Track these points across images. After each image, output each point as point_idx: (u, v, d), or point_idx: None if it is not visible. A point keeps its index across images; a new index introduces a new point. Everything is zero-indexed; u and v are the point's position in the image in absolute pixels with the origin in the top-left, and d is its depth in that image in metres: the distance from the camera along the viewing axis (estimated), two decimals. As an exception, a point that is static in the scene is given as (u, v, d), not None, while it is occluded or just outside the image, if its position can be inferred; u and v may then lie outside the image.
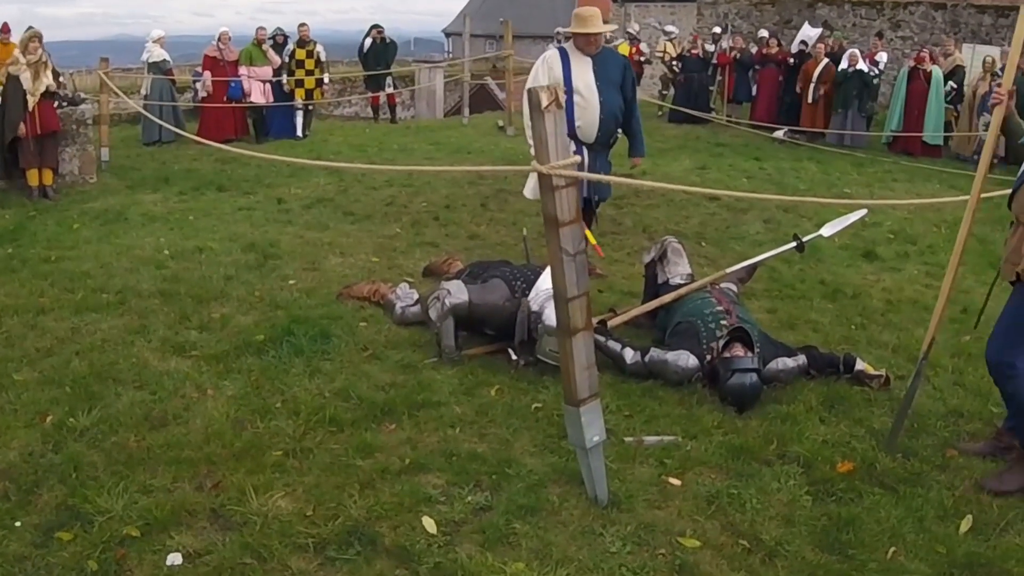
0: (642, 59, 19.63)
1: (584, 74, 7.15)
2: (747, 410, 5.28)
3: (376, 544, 3.89)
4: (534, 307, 5.76)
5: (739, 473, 4.60)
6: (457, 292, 5.97)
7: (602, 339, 5.70)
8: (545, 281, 5.72)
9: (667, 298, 6.29)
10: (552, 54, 7.28)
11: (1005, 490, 4.49)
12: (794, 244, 7.00)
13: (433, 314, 5.92)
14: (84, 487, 4.22)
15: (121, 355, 5.82)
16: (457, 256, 7.76)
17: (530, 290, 5.96)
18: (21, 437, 4.72)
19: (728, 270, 6.83)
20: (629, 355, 5.74)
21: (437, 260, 7.76)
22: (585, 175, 4.33)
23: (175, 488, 4.29)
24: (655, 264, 6.68)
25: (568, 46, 7.28)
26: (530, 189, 7.57)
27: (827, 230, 6.96)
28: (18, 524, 3.96)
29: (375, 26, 17.83)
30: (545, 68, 7.17)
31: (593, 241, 7.45)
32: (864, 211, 7.15)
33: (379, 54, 17.67)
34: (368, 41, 17.58)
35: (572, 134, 7.06)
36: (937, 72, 16.01)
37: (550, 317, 5.18)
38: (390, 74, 18.23)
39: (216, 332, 6.26)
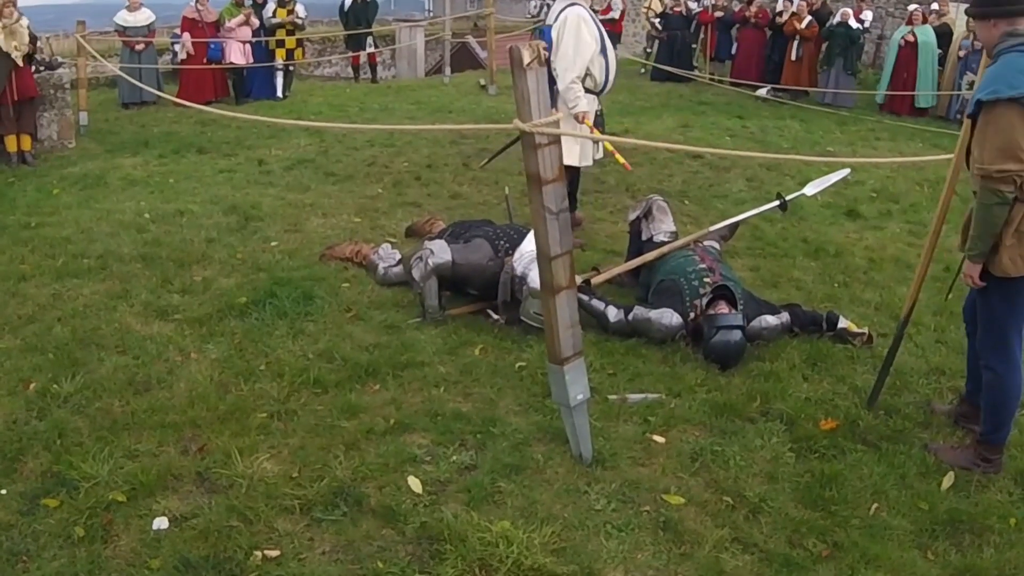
0: (607, 17, 19.28)
1: (601, 31, 7.32)
2: (731, 367, 5.31)
3: (362, 504, 3.91)
4: (518, 269, 5.77)
5: (723, 430, 4.63)
6: (440, 252, 5.95)
7: (585, 298, 5.71)
8: (529, 243, 5.76)
9: (651, 255, 6.29)
10: (584, 12, 7.19)
11: (948, 461, 4.44)
12: (777, 203, 6.99)
13: (416, 274, 5.91)
14: (69, 453, 4.21)
15: (103, 320, 5.79)
16: (439, 216, 7.75)
17: (513, 250, 5.95)
18: (5, 405, 4.71)
19: (710, 228, 6.83)
20: (612, 313, 5.75)
21: (419, 220, 7.73)
22: (568, 132, 4.30)
23: (160, 452, 4.29)
24: (639, 221, 6.67)
25: (585, 5, 7.28)
26: (576, 155, 7.47)
27: (810, 189, 6.95)
28: (3, 492, 3.96)
29: None
30: (586, 27, 7.11)
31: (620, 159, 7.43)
32: (847, 171, 7.16)
33: (359, 13, 17.47)
34: (347, 2, 17.41)
35: (601, 92, 7.38)
36: (927, 31, 15.96)
37: (534, 280, 5.23)
38: (371, 33, 18.05)
39: (198, 295, 6.23)
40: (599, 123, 7.54)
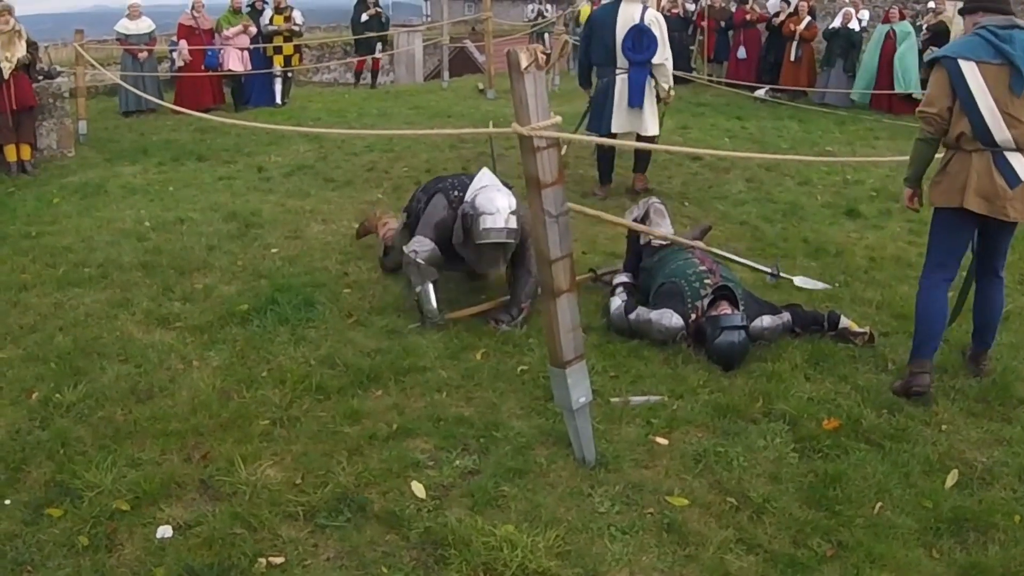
0: None
1: None
2: (734, 368, 5.30)
3: (366, 510, 3.91)
4: (467, 207, 5.84)
5: (725, 431, 4.62)
6: (421, 246, 5.93)
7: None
8: (478, 182, 5.97)
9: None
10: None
11: (895, 389, 5.10)
12: (770, 271, 6.77)
13: (414, 279, 5.90)
14: (72, 463, 4.21)
15: (105, 329, 5.80)
16: (388, 212, 7.46)
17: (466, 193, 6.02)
18: (7, 415, 4.71)
19: (692, 241, 6.71)
20: (615, 304, 5.77)
21: (369, 219, 7.47)
22: (563, 135, 4.31)
23: (163, 460, 4.29)
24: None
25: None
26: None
27: (798, 280, 6.77)
28: (7, 502, 3.95)
29: None
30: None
31: None
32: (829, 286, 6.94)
33: (374, 25, 17.78)
34: (365, 16, 17.61)
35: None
36: (905, 27, 15.98)
37: (482, 204, 5.64)
38: (384, 38, 18.28)
39: (200, 303, 6.24)
40: None
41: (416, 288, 5.89)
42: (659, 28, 8.90)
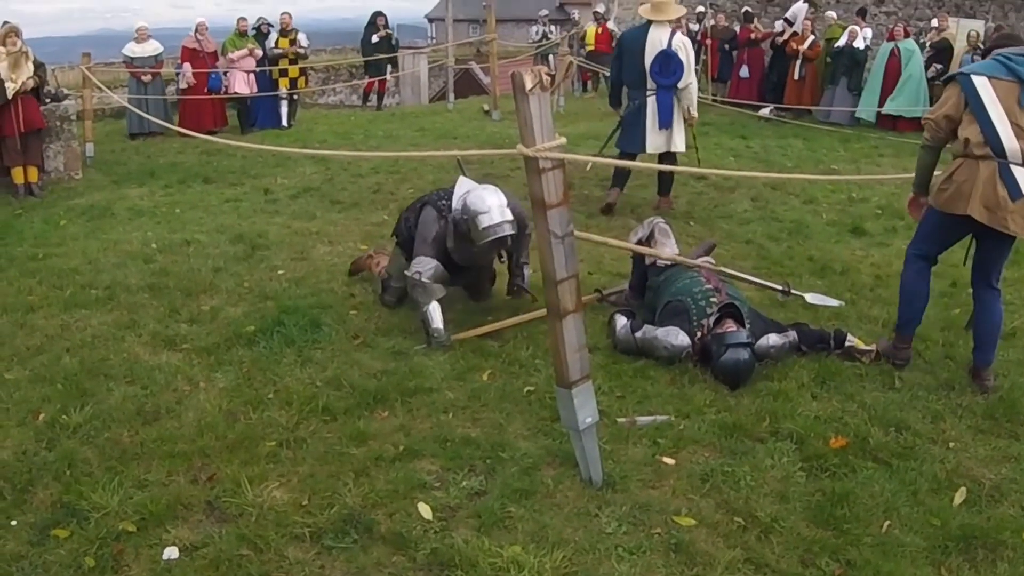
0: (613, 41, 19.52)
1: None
2: (740, 386, 5.30)
3: (372, 532, 3.90)
4: (458, 214, 5.97)
5: (732, 451, 4.61)
6: (424, 266, 5.97)
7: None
8: (460, 188, 6.11)
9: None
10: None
11: (879, 348, 5.69)
12: (781, 288, 6.87)
13: (421, 300, 5.91)
14: (79, 484, 4.21)
15: (112, 350, 5.81)
16: (382, 251, 7.34)
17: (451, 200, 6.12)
18: (14, 436, 4.71)
19: (698, 260, 6.77)
20: (620, 323, 5.77)
21: (361, 257, 7.41)
22: (567, 156, 4.31)
23: (170, 482, 4.29)
24: (642, 245, 6.69)
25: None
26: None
27: (810, 297, 6.85)
28: (14, 523, 3.96)
29: (378, 13, 18.07)
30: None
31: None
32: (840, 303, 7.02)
33: (384, 47, 17.95)
34: (375, 38, 17.75)
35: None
36: (910, 44, 16.00)
37: (473, 204, 5.81)
38: (393, 58, 18.40)
39: (206, 324, 6.25)
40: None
41: (422, 308, 5.90)
42: (686, 53, 9.10)
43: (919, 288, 5.56)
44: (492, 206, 5.81)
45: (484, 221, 5.79)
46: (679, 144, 9.38)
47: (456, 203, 6.03)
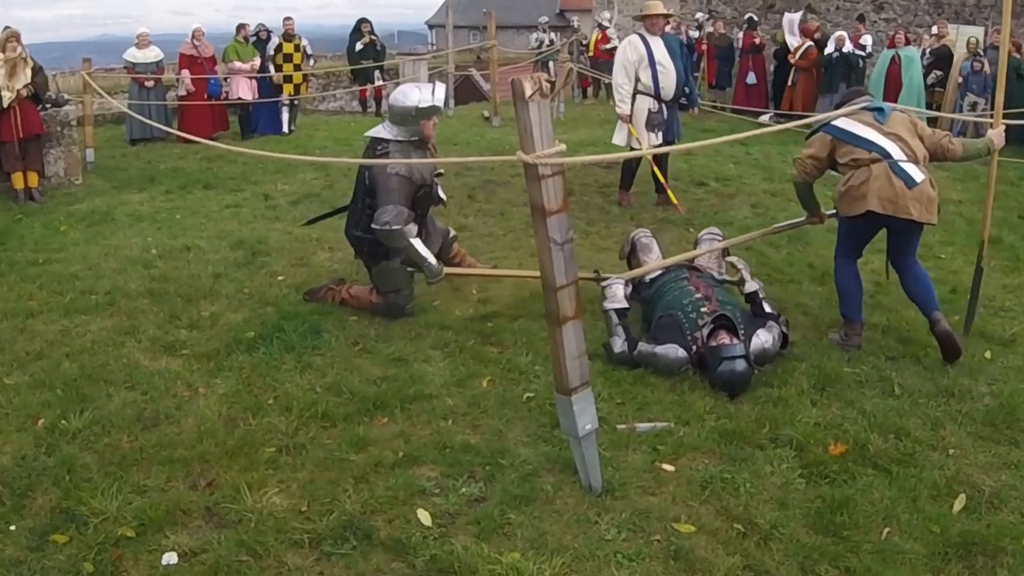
0: (607, 47, 19.57)
1: (659, 50, 9.53)
2: (739, 395, 5.30)
3: (372, 538, 3.90)
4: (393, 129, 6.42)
5: (732, 457, 4.61)
6: (388, 214, 6.10)
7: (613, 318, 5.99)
8: (378, 129, 6.56)
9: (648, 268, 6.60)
10: (634, 38, 9.71)
11: (832, 339, 6.14)
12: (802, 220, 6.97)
13: (400, 243, 6.16)
14: (78, 489, 4.21)
15: (111, 356, 5.81)
16: (338, 284, 6.91)
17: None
18: (13, 441, 4.71)
19: (704, 249, 6.85)
20: (617, 344, 5.76)
21: (324, 286, 6.91)
22: (567, 160, 4.32)
23: (169, 487, 4.29)
24: (629, 260, 6.75)
25: (642, 32, 9.61)
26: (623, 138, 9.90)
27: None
28: (13, 528, 3.96)
29: (363, 20, 17.97)
30: (631, 48, 9.59)
31: (674, 200, 9.93)
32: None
33: (369, 54, 17.91)
34: (359, 45, 17.70)
35: (657, 94, 9.58)
36: (911, 52, 16.00)
37: (397, 100, 6.33)
38: (380, 67, 18.34)
39: (206, 330, 6.25)
40: (656, 121, 9.68)
41: (406, 246, 6.13)
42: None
43: (853, 283, 6.15)
44: (412, 88, 6.36)
45: (415, 100, 6.26)
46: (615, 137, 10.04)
47: (386, 127, 6.45)
